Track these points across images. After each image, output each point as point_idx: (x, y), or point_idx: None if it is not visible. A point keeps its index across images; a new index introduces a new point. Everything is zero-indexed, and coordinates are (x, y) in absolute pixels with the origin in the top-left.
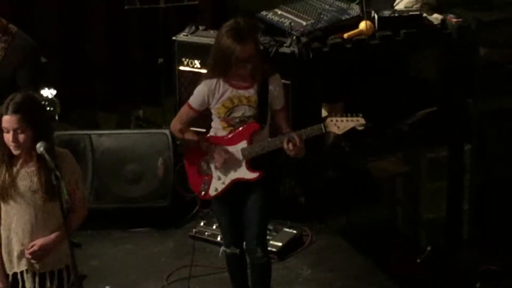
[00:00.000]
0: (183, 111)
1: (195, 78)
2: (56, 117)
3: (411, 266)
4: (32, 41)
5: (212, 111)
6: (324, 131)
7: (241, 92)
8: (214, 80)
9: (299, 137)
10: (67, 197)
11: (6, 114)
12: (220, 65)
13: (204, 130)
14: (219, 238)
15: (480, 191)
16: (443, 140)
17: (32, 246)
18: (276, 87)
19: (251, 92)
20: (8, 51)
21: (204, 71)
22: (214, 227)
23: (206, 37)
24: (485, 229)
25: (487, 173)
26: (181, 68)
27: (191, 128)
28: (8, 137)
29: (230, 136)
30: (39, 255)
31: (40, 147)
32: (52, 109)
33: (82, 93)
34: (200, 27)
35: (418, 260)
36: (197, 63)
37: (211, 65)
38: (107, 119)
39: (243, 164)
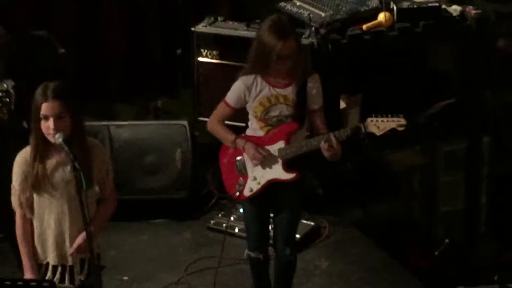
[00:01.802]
0: (220, 108)
1: (215, 69)
2: (12, 108)
3: (429, 259)
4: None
5: (249, 111)
6: (364, 131)
7: (279, 90)
8: (252, 77)
9: (336, 138)
10: (96, 188)
11: (46, 100)
12: (260, 61)
13: (244, 124)
14: (236, 230)
15: (498, 183)
16: (461, 133)
17: (74, 245)
18: (314, 87)
19: (289, 91)
20: None
21: (223, 62)
22: (232, 218)
23: (225, 28)
24: (503, 221)
25: (505, 165)
26: (200, 59)
27: (230, 122)
28: (47, 125)
29: (267, 135)
30: (83, 249)
31: (59, 137)
32: (8, 100)
33: (100, 84)
34: (219, 18)
35: (436, 253)
36: (216, 54)
37: (251, 61)
38: (125, 110)
39: (280, 164)
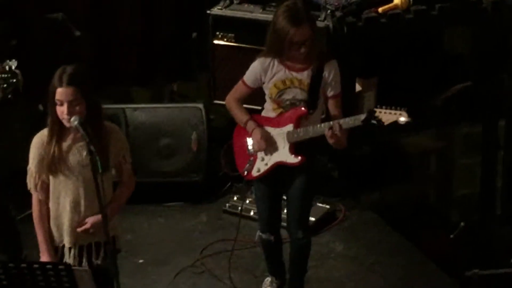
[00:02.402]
0: (237, 87)
1: (230, 52)
2: (20, 89)
3: (444, 242)
4: None
5: (265, 91)
6: (363, 122)
7: (294, 74)
8: (269, 59)
9: (340, 125)
10: (111, 172)
11: (61, 86)
12: (275, 46)
13: (260, 108)
14: (252, 213)
15: None
16: (477, 116)
17: (84, 224)
18: (330, 73)
19: (304, 75)
20: None
21: (239, 45)
22: (247, 201)
23: (241, 11)
24: None
25: None
26: (216, 42)
27: (248, 106)
28: (62, 110)
29: (278, 118)
30: (90, 232)
31: (74, 121)
32: (14, 80)
33: (115, 68)
34: (235, 1)
35: (451, 236)
36: (231, 37)
37: (267, 45)
38: (141, 93)
39: (287, 147)
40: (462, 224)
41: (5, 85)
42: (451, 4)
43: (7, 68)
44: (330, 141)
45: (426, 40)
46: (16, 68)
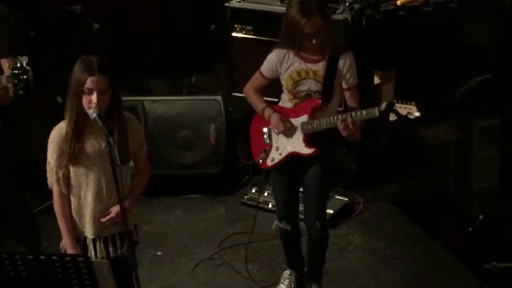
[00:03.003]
0: (255, 77)
1: (248, 44)
2: (31, 85)
3: (463, 235)
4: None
5: (282, 82)
6: (377, 115)
7: (309, 65)
8: (284, 51)
9: (352, 118)
10: (131, 164)
11: (93, 74)
12: (288, 37)
13: (276, 100)
14: (270, 205)
15: None
16: (496, 109)
17: (108, 213)
18: (345, 64)
19: (319, 67)
20: None
21: (257, 37)
22: (266, 194)
23: (259, 3)
24: None
25: None
26: (234, 34)
27: (265, 98)
28: (90, 99)
29: (293, 108)
30: (115, 221)
31: (93, 113)
32: (25, 77)
33: (134, 60)
34: None
35: (470, 229)
36: (250, 29)
37: (281, 37)
38: (159, 85)
39: (300, 138)
40: (481, 216)
41: (16, 81)
42: None
43: (18, 64)
44: (343, 133)
45: (445, 32)
46: (27, 64)
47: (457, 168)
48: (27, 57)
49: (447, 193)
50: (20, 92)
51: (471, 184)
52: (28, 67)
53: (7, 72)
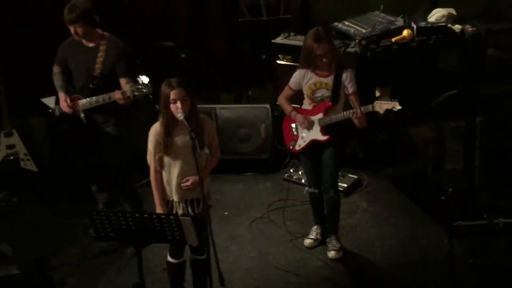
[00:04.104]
0: (285, 90)
1: (288, 69)
2: (150, 96)
3: (438, 202)
4: (122, 42)
5: (303, 91)
6: (371, 109)
7: (322, 79)
8: (304, 70)
9: (361, 110)
10: (206, 150)
11: (174, 88)
12: (305, 60)
13: (298, 106)
14: (303, 181)
15: (487, 150)
16: (461, 114)
17: (186, 181)
18: (347, 77)
19: (329, 79)
20: (107, 51)
21: (294, 64)
22: (300, 172)
23: (296, 40)
24: (491, 177)
25: (492, 137)
26: (278, 61)
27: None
28: (176, 106)
29: (312, 109)
30: (190, 188)
31: (180, 116)
32: (146, 90)
33: (209, 78)
34: (292, 33)
35: (443, 198)
36: (289, 58)
37: (301, 59)
38: (226, 97)
39: (318, 129)
40: (450, 190)
41: (137, 93)
42: (443, 36)
43: (140, 81)
44: (355, 121)
45: (425, 61)
46: (148, 82)
47: (434, 156)
48: (147, 77)
49: (427, 173)
50: (139, 99)
51: (444, 167)
52: (149, 84)
53: (125, 87)
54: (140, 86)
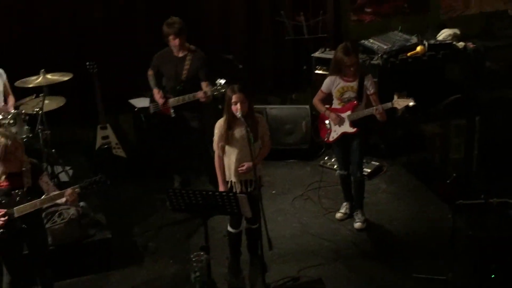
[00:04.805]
0: (318, 93)
1: (323, 78)
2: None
3: (444, 185)
4: (203, 53)
5: (333, 93)
6: (391, 106)
7: (348, 83)
8: (334, 76)
9: (382, 107)
10: (258, 141)
11: (236, 93)
12: (336, 68)
13: (328, 106)
14: (335, 167)
15: (485, 143)
16: (463, 114)
17: (242, 166)
18: (368, 81)
19: (354, 84)
20: (192, 60)
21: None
22: (332, 160)
23: (330, 55)
24: (487, 165)
25: (488, 133)
26: (316, 72)
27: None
28: (236, 108)
29: (341, 108)
30: (245, 171)
31: (239, 114)
32: (223, 91)
33: (261, 84)
34: (327, 49)
35: (447, 181)
36: (325, 69)
37: (331, 68)
38: (275, 99)
39: (348, 123)
40: (454, 175)
41: (216, 93)
42: (449, 51)
43: (218, 83)
44: (377, 116)
45: (434, 71)
46: (224, 83)
47: (440, 147)
48: (224, 80)
49: (435, 161)
50: (217, 97)
51: (449, 157)
52: (225, 85)
53: (206, 88)
54: (218, 87)
